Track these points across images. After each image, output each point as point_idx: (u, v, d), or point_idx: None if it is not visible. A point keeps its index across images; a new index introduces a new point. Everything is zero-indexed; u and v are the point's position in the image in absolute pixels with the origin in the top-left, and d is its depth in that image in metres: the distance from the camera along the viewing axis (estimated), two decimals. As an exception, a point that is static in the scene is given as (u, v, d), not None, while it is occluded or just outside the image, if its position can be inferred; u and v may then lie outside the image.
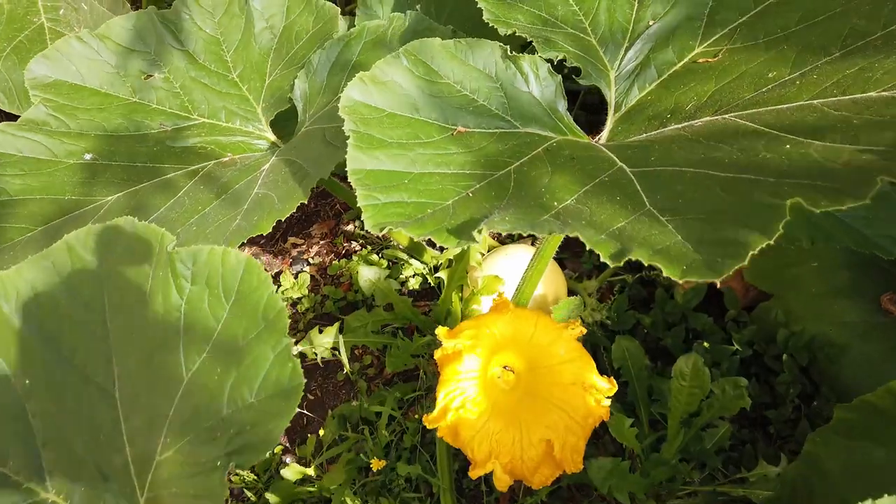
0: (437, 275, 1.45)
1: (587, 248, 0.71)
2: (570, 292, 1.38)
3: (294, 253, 1.72)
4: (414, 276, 1.57)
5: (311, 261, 1.69)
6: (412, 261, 1.52)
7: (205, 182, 1.10)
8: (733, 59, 0.89)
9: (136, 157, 1.14)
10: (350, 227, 1.73)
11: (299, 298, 1.57)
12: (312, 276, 1.65)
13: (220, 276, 0.71)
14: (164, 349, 0.73)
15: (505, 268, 1.32)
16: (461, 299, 1.34)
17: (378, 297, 1.35)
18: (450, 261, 1.50)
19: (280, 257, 1.73)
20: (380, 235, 1.66)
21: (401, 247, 1.57)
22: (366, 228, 1.68)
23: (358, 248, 1.68)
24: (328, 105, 1.11)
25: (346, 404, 1.32)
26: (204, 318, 0.72)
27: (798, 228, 0.99)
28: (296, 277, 1.61)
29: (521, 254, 1.35)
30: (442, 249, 1.60)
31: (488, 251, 1.45)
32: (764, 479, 1.04)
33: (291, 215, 1.87)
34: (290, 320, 1.63)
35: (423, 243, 1.54)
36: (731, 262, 0.57)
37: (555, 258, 1.45)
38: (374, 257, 1.60)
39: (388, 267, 1.58)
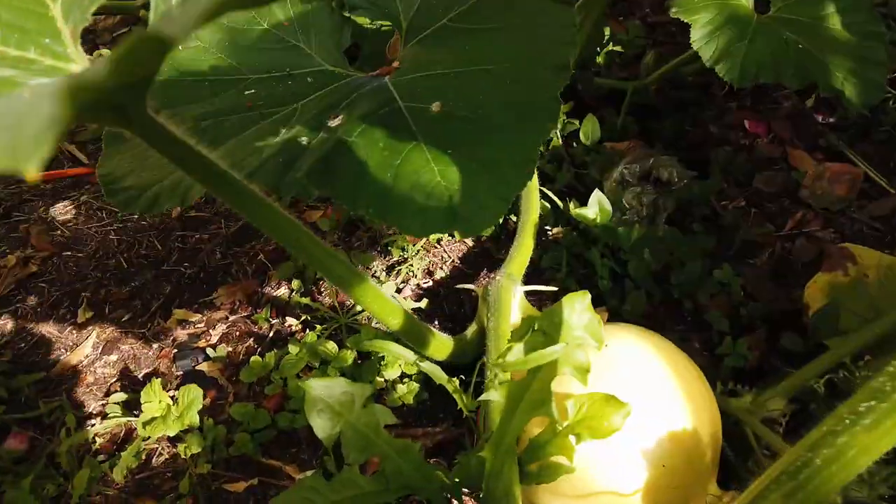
0: (455, 377, 0.75)
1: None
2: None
3: (182, 336, 0.97)
4: (404, 379, 0.86)
5: (211, 352, 0.94)
6: (400, 350, 0.80)
7: None
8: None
9: None
10: (282, 291, 1.00)
11: (183, 432, 0.82)
12: (213, 382, 0.90)
13: None
14: None
15: (616, 376, 0.64)
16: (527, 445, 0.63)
17: (350, 446, 0.62)
18: (480, 337, 0.80)
19: (155, 344, 0.97)
20: (338, 302, 0.93)
21: (381, 326, 0.86)
22: (320, 294, 0.96)
23: (298, 327, 0.95)
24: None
25: None
26: None
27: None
28: (177, 390, 0.86)
29: (628, 344, 0.67)
30: (455, 315, 0.89)
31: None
32: None
33: (181, 272, 1.08)
34: (166, 479, 0.86)
35: (421, 326, 0.85)
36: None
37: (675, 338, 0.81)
38: (330, 347, 0.87)
39: (358, 362, 0.86)
